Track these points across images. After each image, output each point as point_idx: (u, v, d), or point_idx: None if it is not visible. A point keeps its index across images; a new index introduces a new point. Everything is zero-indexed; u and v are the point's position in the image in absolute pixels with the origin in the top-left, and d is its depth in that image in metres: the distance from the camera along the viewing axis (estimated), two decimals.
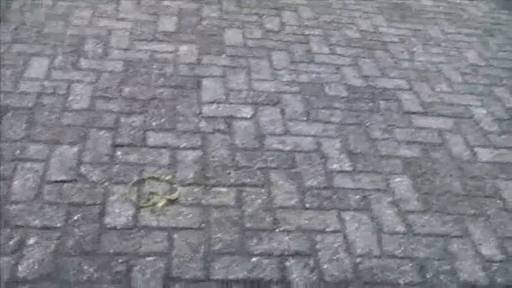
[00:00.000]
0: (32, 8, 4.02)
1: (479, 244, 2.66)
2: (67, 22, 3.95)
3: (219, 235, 2.49)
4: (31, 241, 2.34)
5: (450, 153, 3.20)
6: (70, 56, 3.58)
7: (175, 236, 2.46)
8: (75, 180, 2.67)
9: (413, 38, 4.43)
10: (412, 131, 3.34)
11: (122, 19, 4.12)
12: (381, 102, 3.56)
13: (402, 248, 2.57)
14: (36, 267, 2.23)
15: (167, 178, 2.76)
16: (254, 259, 2.40)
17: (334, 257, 2.47)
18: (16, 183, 2.60)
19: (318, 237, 2.56)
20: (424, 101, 3.64)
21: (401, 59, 4.10)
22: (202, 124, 3.16)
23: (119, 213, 2.53)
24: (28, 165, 2.71)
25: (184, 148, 2.97)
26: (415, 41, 4.39)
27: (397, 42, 4.33)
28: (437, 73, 3.98)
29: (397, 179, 2.97)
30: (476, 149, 3.28)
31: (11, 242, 2.32)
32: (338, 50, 4.11)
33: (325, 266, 2.42)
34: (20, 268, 2.21)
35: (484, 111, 3.63)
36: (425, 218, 2.76)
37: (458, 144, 3.30)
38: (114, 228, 2.46)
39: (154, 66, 3.62)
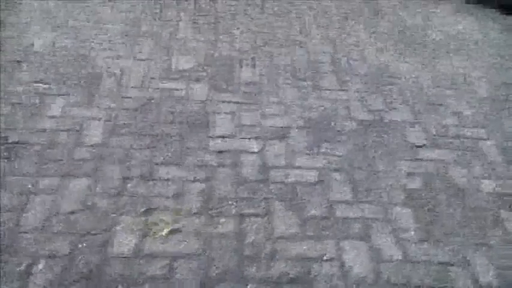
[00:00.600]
0: (52, 50, 4.23)
1: (478, 273, 2.69)
2: (85, 61, 4.14)
3: (218, 262, 2.57)
4: (38, 268, 2.46)
5: (453, 184, 3.24)
6: (86, 94, 3.75)
7: (176, 263, 2.55)
8: (84, 211, 2.80)
9: (422, 71, 4.49)
10: (416, 163, 3.39)
11: (139, 59, 4.29)
12: (386, 135, 3.62)
13: (399, 276, 2.62)
14: None
15: (172, 209, 2.86)
16: (250, 285, 2.48)
17: (329, 284, 2.53)
18: (27, 215, 2.74)
19: (315, 265, 2.62)
20: (430, 133, 3.69)
21: (410, 92, 4.16)
22: (209, 158, 3.27)
23: (124, 242, 2.64)
24: (40, 198, 2.85)
25: (191, 181, 3.08)
26: (424, 74, 4.44)
27: (406, 75, 4.39)
28: (445, 106, 4.03)
29: (398, 209, 3.02)
30: (480, 180, 3.31)
31: (18, 269, 2.44)
32: (347, 84, 4.20)
33: None
34: None
35: (491, 143, 3.66)
36: (425, 246, 2.80)
37: (462, 175, 3.34)
38: (118, 256, 2.57)
39: (166, 104, 3.76)
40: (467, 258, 2.77)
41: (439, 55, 4.82)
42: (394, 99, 4.05)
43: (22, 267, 2.46)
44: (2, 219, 2.70)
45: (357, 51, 4.73)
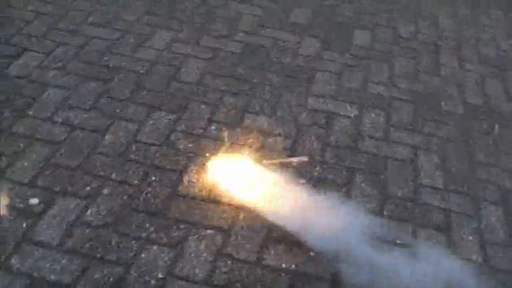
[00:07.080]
0: None
1: None
2: (203, 2, 4.11)
3: (281, 224, 2.47)
4: (105, 191, 2.48)
5: None
6: (194, 32, 3.72)
7: (240, 216, 2.47)
8: (163, 145, 2.78)
9: None
10: None
11: (256, 5, 4.20)
12: (497, 125, 3.30)
13: (471, 280, 2.38)
14: (102, 215, 2.37)
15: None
16: (310, 253, 2.36)
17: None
18: (107, 138, 2.77)
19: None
20: None
21: None
22: (303, 115, 3.15)
23: (194, 183, 2.60)
24: (124, 123, 2.87)
25: (277, 135, 2.98)
26: None
27: None
28: None
29: (490, 207, 2.75)
30: None
31: (87, 189, 2.48)
32: (467, 65, 3.87)
33: None
34: (88, 212, 2.36)
35: None
36: (510, 253, 2.53)
37: None
38: (186, 196, 2.53)
39: (273, 53, 3.65)
40: None
41: None
42: None
43: (90, 188, 2.49)
44: (85, 138, 2.75)
45: (487, 32, 4.35)
